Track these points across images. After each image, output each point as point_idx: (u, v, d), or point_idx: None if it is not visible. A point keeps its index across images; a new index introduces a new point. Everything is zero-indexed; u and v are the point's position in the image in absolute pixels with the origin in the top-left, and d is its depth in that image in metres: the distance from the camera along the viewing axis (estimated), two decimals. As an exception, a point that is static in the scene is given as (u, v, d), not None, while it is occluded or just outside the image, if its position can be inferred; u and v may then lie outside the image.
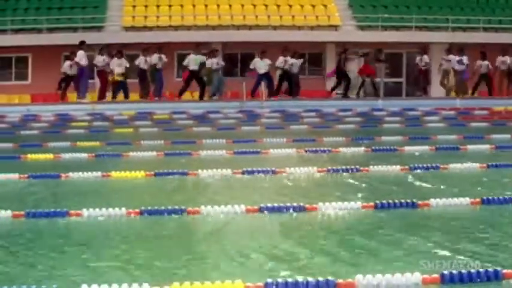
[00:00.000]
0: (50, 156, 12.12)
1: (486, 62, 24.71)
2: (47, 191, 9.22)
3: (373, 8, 29.28)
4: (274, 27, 28.26)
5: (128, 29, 28.00)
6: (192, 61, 23.67)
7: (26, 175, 10.06)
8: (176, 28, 27.98)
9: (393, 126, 16.87)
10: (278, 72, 24.46)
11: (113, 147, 13.28)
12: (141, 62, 23.89)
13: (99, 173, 9.97)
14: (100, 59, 23.82)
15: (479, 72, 24.74)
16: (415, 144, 13.14)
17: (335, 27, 28.60)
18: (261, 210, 7.53)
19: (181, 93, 24.18)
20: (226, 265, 5.74)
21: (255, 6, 29.09)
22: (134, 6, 28.83)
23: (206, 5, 28.91)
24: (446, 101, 23.55)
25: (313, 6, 29.21)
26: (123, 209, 7.51)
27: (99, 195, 8.90)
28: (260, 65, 23.93)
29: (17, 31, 27.48)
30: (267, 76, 24.14)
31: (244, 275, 5.33)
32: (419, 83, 26.28)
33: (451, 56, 24.89)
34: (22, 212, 7.63)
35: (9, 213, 7.66)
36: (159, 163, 11.24)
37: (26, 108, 22.68)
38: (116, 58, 23.73)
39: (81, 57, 23.34)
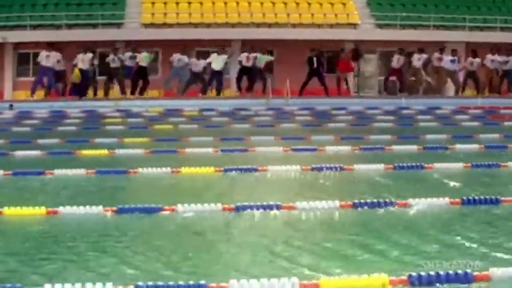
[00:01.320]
0: (105, 152, 12.18)
1: (477, 60, 24.93)
2: (123, 186, 9.28)
3: (391, 6, 29.39)
4: (294, 25, 28.31)
5: (147, 25, 27.97)
6: (143, 58, 24.15)
7: (93, 170, 10.12)
8: (196, 25, 27.99)
9: (430, 125, 16.93)
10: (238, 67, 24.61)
11: (163, 143, 13.35)
12: (109, 60, 24.00)
13: (168, 169, 10.04)
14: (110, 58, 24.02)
15: (467, 69, 24.95)
16: (461, 142, 13.22)
17: (354, 26, 28.69)
18: (354, 206, 7.62)
19: (141, 91, 24.39)
20: (346, 258, 5.84)
21: (274, 4, 29.12)
22: (153, 3, 28.78)
23: (225, 3, 28.92)
24: (467, 100, 23.65)
25: (332, 4, 29.27)
26: (219, 205, 7.57)
27: (181, 191, 8.97)
28: (217, 61, 23.99)
29: (35, 27, 27.42)
30: (219, 74, 24.14)
31: (377, 269, 5.42)
32: (390, 85, 26.02)
33: (437, 55, 25.03)
34: (114, 208, 7.66)
35: (100, 208, 7.70)
36: (220, 159, 11.27)
37: (48, 105, 22.60)
38: (82, 54, 23.82)
39: (42, 57, 23.50)
